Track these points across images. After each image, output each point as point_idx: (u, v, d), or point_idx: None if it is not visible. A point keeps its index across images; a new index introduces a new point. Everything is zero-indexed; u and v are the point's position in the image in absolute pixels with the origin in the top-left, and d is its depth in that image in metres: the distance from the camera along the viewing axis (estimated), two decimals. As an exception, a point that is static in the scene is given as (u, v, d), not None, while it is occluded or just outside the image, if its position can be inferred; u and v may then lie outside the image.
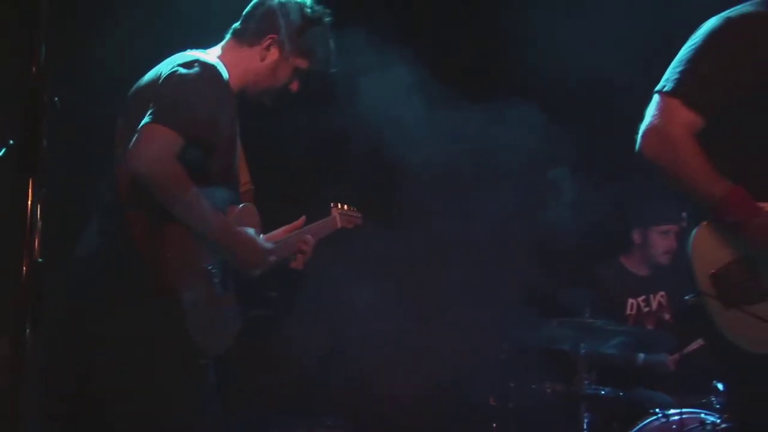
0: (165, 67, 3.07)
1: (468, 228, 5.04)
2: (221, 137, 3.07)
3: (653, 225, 5.10)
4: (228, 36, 3.29)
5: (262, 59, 3.24)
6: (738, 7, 3.17)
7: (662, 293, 5.14)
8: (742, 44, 3.10)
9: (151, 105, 2.89)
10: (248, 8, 3.31)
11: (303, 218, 3.56)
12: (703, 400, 4.48)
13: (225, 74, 3.08)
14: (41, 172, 2.15)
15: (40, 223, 2.15)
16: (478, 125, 4.95)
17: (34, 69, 2.18)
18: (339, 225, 3.85)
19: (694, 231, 3.10)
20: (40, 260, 2.11)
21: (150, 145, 2.85)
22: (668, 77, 3.11)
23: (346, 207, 3.94)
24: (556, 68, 5.16)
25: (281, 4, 3.28)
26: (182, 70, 3.00)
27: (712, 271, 3.04)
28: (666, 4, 5.33)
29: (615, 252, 5.41)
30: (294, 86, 3.32)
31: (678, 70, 3.12)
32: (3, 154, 2.21)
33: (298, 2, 3.30)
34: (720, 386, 4.32)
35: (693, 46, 3.11)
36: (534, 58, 5.17)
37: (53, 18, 2.21)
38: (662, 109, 3.09)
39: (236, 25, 3.29)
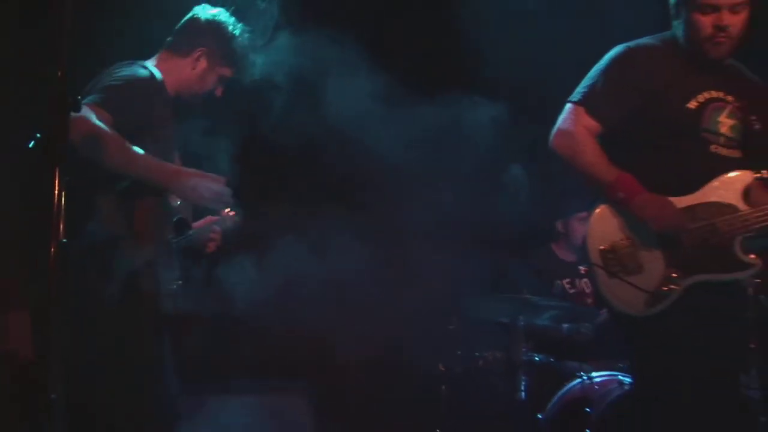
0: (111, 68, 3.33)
1: (426, 214, 5.11)
2: (149, 128, 3.23)
3: (572, 214, 5.23)
4: (162, 48, 3.53)
5: (193, 68, 3.48)
6: (640, 39, 3.46)
7: (586, 280, 5.24)
8: (636, 70, 3.36)
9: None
10: (180, 25, 3.56)
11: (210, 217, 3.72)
12: (621, 365, 4.59)
13: (158, 75, 3.36)
14: (65, 162, 2.23)
15: (63, 208, 2.21)
16: (438, 122, 5.02)
17: (60, 74, 2.26)
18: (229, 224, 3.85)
19: (592, 212, 3.38)
20: (64, 240, 2.18)
21: (82, 121, 2.93)
22: (578, 90, 3.42)
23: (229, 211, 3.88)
24: (511, 67, 5.13)
25: (209, 22, 3.52)
26: (115, 71, 3.26)
27: (602, 246, 3.31)
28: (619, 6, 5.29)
29: (547, 240, 5.55)
30: (219, 91, 3.54)
31: (585, 84, 3.41)
32: (32, 145, 2.28)
33: (223, 21, 3.54)
34: None
35: (599, 67, 3.41)
36: (490, 57, 5.20)
37: (75, 30, 2.31)
38: (570, 115, 3.40)
39: (169, 39, 3.55)
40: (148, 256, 3.18)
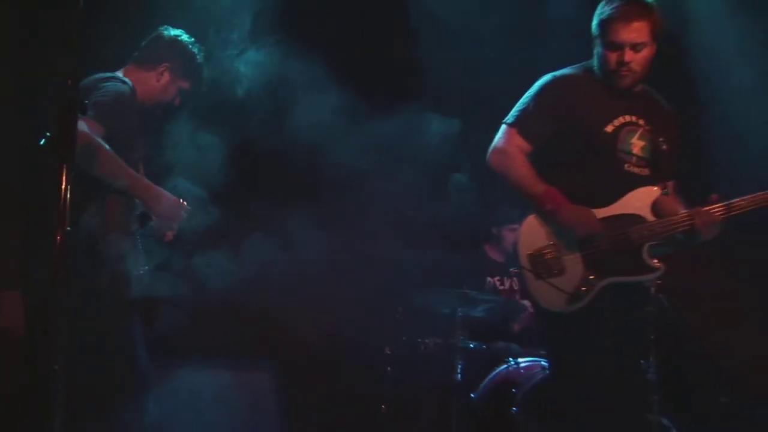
0: (84, 82, 3.47)
1: (379, 215, 5.19)
2: (129, 135, 3.49)
3: (505, 224, 5.40)
4: (130, 61, 3.75)
5: (158, 81, 3.71)
6: (565, 68, 3.64)
7: (512, 279, 5.42)
8: (561, 96, 3.54)
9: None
10: (147, 41, 3.79)
11: None
12: (542, 352, 4.73)
13: (131, 86, 3.59)
14: (72, 160, 2.37)
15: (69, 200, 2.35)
16: (393, 133, 5.13)
17: (69, 82, 2.41)
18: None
19: (520, 226, 3.54)
20: (69, 229, 2.33)
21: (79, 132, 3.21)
22: (511, 113, 3.60)
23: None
24: (460, 85, 5.37)
25: (173, 40, 3.76)
26: (100, 84, 3.46)
27: (530, 252, 3.45)
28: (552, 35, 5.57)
29: (481, 241, 5.70)
30: (177, 101, 3.78)
31: (518, 108, 3.60)
32: (43, 143, 2.42)
33: (185, 40, 3.77)
34: None
35: (530, 93, 3.60)
36: (442, 77, 5.39)
37: (84, 42, 2.45)
38: (504, 136, 3.58)
39: (136, 53, 3.75)
40: (118, 246, 3.37)
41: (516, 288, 5.39)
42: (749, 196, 3.43)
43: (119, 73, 3.67)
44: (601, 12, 3.46)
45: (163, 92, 3.73)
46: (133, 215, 3.50)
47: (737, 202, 3.42)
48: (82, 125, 3.19)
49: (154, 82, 3.70)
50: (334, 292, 5.25)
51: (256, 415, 4.66)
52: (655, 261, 3.42)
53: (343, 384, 5.43)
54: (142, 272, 3.51)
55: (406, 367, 4.99)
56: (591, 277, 3.39)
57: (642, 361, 3.89)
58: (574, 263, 3.40)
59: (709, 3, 5.84)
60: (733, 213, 3.42)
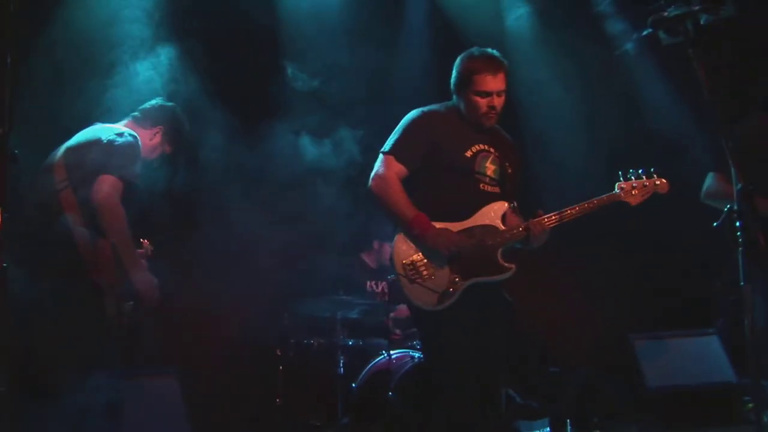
0: (97, 133, 3.79)
1: (266, 232, 5.50)
2: (137, 182, 3.83)
3: (384, 240, 5.74)
4: (129, 118, 4.00)
5: (150, 140, 4.02)
6: (431, 105, 3.98)
7: (383, 283, 5.78)
8: (428, 127, 3.88)
9: (101, 160, 3.61)
10: (147, 105, 4.06)
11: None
12: (411, 343, 5.15)
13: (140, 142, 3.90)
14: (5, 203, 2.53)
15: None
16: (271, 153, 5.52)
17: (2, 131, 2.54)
18: (149, 254, 4.28)
19: (394, 239, 3.85)
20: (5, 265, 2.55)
21: (105, 188, 3.56)
22: (387, 142, 3.91)
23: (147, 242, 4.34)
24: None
25: (170, 111, 4.08)
26: (119, 138, 3.75)
27: (404, 261, 3.78)
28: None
29: (358, 250, 6.05)
30: (155, 159, 4.10)
31: (393, 137, 3.91)
32: None
33: (179, 112, 4.12)
34: None
35: (402, 125, 3.93)
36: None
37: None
38: (382, 163, 3.87)
39: (135, 113, 4.01)
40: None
41: (386, 291, 5.74)
42: (576, 206, 3.81)
43: (120, 125, 3.90)
44: (467, 66, 3.83)
45: (152, 151, 4.04)
46: None
47: (567, 211, 3.80)
48: (113, 186, 3.56)
49: (147, 141, 3.99)
50: (227, 303, 5.54)
51: (166, 417, 4.78)
52: (508, 262, 3.76)
53: (240, 383, 5.66)
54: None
55: (294, 365, 5.26)
56: (456, 279, 3.70)
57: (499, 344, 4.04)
58: (441, 268, 3.71)
59: (525, 43, 6.60)
60: (564, 220, 3.79)
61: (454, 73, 3.93)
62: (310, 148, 5.62)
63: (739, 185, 3.03)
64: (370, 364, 5.11)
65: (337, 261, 5.79)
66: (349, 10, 5.92)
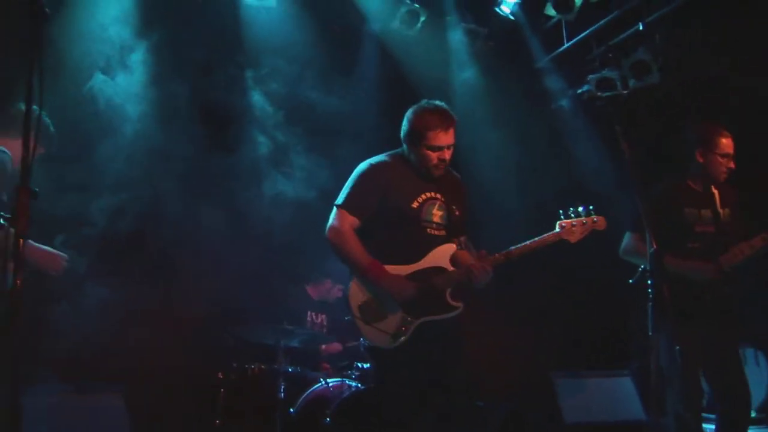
0: None
1: (212, 250, 5.79)
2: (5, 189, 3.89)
3: (336, 282, 6.10)
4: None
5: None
6: (378, 156, 4.20)
7: (324, 315, 6.14)
8: (375, 179, 4.09)
9: None
10: (4, 115, 4.09)
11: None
12: (347, 372, 5.45)
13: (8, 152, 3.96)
14: None
15: None
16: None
17: None
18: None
19: (349, 283, 4.09)
20: None
21: None
22: (340, 195, 4.12)
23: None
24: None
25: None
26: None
27: (358, 303, 4.03)
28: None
29: (303, 282, 6.32)
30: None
31: (345, 191, 4.13)
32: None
33: (41, 113, 4.06)
34: (359, 364, 5.45)
35: (352, 178, 4.14)
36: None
37: None
38: (337, 215, 4.11)
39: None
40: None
41: (324, 324, 6.11)
42: (521, 245, 3.99)
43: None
44: (419, 121, 4.01)
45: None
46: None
47: (512, 250, 3.99)
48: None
49: (19, 148, 3.98)
50: (172, 326, 5.81)
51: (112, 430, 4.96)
52: (456, 301, 3.99)
53: (182, 405, 5.86)
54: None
55: (236, 388, 5.41)
56: (408, 318, 3.94)
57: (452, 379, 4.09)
58: (393, 310, 3.95)
59: (469, 96, 7.10)
60: (510, 258, 3.97)
61: (405, 125, 4.10)
62: (268, 174, 5.94)
63: (652, 249, 3.53)
64: (309, 391, 5.35)
65: (283, 289, 6.02)
66: (310, 46, 6.30)
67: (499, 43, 7.27)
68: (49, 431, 4.43)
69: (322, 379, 5.39)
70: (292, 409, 5.29)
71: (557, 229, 4.12)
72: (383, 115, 6.50)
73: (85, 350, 5.18)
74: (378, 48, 6.86)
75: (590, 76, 6.82)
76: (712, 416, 4.79)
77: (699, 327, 4.42)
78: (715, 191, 4.69)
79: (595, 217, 4.13)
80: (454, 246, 4.12)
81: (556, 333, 6.96)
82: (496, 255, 4.04)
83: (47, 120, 4.20)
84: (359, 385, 5.25)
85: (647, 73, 6.53)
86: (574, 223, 4.11)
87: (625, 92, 6.16)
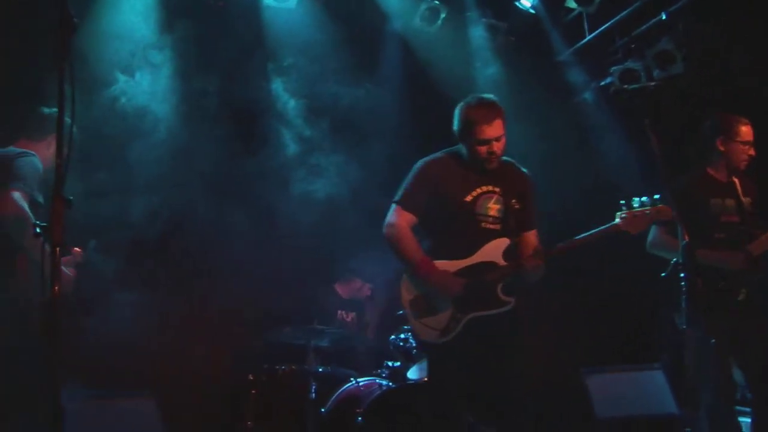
0: (4, 154, 4.04)
1: (240, 252, 5.78)
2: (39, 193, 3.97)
3: (366, 281, 6.14)
4: (20, 137, 4.22)
5: (48, 149, 4.17)
6: (435, 153, 4.27)
7: (353, 314, 6.17)
8: (429, 175, 4.19)
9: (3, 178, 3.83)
10: (31, 120, 4.22)
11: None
12: (377, 371, 5.48)
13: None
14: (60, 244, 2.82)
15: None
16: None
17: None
18: (78, 260, 4.45)
19: (402, 278, 4.17)
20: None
21: (7, 202, 3.76)
22: (397, 193, 4.22)
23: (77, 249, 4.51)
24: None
25: (52, 116, 4.12)
26: (19, 158, 4.00)
27: (410, 299, 4.13)
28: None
29: (332, 281, 6.33)
30: None
31: (401, 188, 4.24)
32: (38, 231, 2.92)
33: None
34: (389, 363, 5.46)
35: (409, 175, 4.24)
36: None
37: None
38: (394, 213, 4.20)
39: (24, 131, 4.23)
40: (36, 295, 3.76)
41: (355, 321, 6.13)
42: (578, 238, 3.96)
43: (12, 147, 4.10)
44: (465, 116, 4.08)
45: (53, 159, 4.12)
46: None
47: (569, 243, 3.96)
48: (18, 197, 3.76)
49: (45, 151, 4.15)
50: (203, 329, 5.87)
51: None
52: (507, 296, 4.02)
53: (215, 406, 5.89)
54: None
55: (267, 389, 5.46)
56: (457, 314, 4.00)
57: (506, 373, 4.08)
58: (443, 306, 4.03)
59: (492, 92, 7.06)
60: (568, 251, 3.95)
61: (455, 122, 4.19)
62: (297, 172, 5.94)
63: (684, 241, 3.52)
64: (340, 390, 5.39)
65: (313, 289, 6.04)
66: (332, 46, 6.31)
67: (520, 38, 7.24)
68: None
69: (353, 378, 5.42)
70: (323, 409, 5.32)
71: (617, 221, 4.01)
72: (408, 112, 6.56)
73: (115, 354, 5.20)
74: (400, 46, 6.85)
75: (613, 68, 6.78)
76: (747, 409, 4.84)
77: (731, 318, 4.42)
78: (736, 180, 4.71)
79: (659, 207, 3.96)
80: (507, 240, 4.12)
81: (586, 328, 6.93)
82: (553, 249, 4.03)
83: (67, 121, 4.22)
84: (390, 383, 5.26)
85: (671, 63, 6.48)
86: (636, 213, 3.97)
87: (652, 84, 6.10)
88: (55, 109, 3.94)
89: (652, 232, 4.76)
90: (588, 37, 7.05)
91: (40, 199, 4.03)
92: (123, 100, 5.43)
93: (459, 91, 5.00)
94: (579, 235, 4.03)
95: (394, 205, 4.22)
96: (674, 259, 3.45)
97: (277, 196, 6.11)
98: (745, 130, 4.65)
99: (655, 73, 6.64)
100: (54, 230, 2.74)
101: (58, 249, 2.69)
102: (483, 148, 4.07)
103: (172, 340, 5.66)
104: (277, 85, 6.18)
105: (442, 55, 6.78)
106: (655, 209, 3.96)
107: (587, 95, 7.26)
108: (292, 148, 6.15)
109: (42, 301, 2.75)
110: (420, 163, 4.26)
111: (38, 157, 4.08)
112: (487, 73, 7.03)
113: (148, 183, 5.41)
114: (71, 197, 2.79)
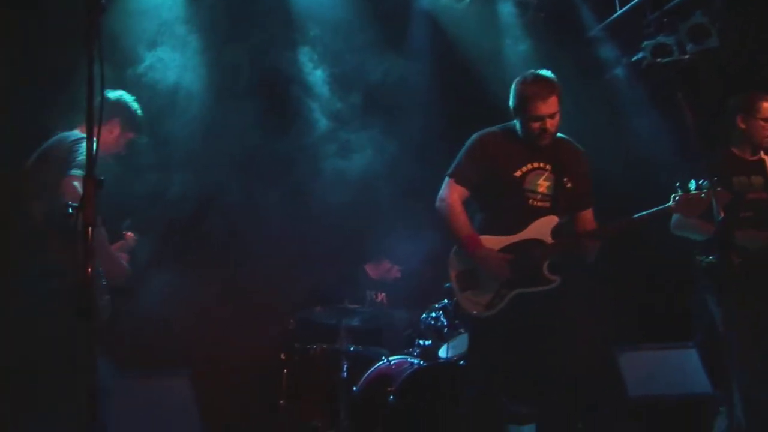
0: (66, 138, 3.98)
1: (271, 234, 5.82)
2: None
3: (395, 263, 6.18)
4: (83, 122, 3.98)
5: (111, 133, 4.17)
6: (490, 128, 4.27)
7: (383, 294, 6.18)
8: (481, 149, 4.19)
9: (65, 162, 3.76)
10: (95, 103, 4.06)
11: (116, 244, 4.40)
12: (408, 350, 5.52)
13: None
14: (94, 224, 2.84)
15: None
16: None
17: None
18: (132, 245, 4.55)
19: (451, 252, 4.20)
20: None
21: (68, 191, 3.70)
22: (451, 166, 4.23)
23: (131, 234, 4.59)
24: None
25: (118, 101, 4.23)
26: (79, 142, 3.93)
27: (457, 272, 4.16)
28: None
29: (362, 262, 6.37)
30: (123, 151, 4.30)
31: (455, 162, 4.24)
32: (70, 212, 2.95)
33: (127, 100, 4.26)
34: (420, 341, 5.48)
35: (463, 150, 4.24)
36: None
37: None
38: (447, 186, 4.22)
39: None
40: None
41: (385, 301, 6.15)
42: (631, 219, 3.93)
43: (77, 131, 4.04)
44: (520, 92, 4.07)
45: (115, 144, 4.21)
46: None
47: (623, 223, 3.96)
48: (77, 184, 3.68)
49: (108, 135, 4.10)
50: (236, 310, 5.90)
51: (180, 417, 4.98)
52: (553, 274, 4.00)
53: (247, 385, 5.96)
54: (105, 302, 3.97)
55: (299, 369, 5.52)
56: (502, 290, 4.01)
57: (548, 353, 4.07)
58: (489, 281, 4.04)
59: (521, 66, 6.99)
60: (621, 231, 3.96)
61: (511, 97, 4.18)
62: (325, 153, 5.94)
63: (720, 216, 3.46)
64: (371, 369, 5.44)
65: (343, 269, 6.08)
66: (359, 22, 6.27)
67: (550, 13, 7.12)
68: (118, 415, 4.47)
69: (384, 357, 5.46)
70: (355, 388, 5.36)
71: (671, 203, 3.95)
72: (438, 90, 6.49)
73: (149, 334, 5.26)
74: (428, 23, 6.76)
75: (645, 42, 6.65)
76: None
77: (758, 297, 4.36)
78: (765, 157, 4.67)
79: (718, 190, 3.86)
80: (556, 218, 4.10)
81: (621, 306, 6.87)
82: (603, 229, 4.03)
83: (135, 105, 4.27)
84: (421, 362, 5.27)
85: (706, 37, 6.34)
86: (690, 197, 3.88)
87: (685, 57, 5.98)
88: (120, 92, 4.27)
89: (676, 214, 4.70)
90: (619, 12, 6.91)
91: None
92: (151, 76, 5.41)
93: (489, 68, 4.97)
94: (635, 215, 3.97)
95: (447, 179, 4.24)
96: (704, 237, 3.38)
97: (308, 175, 6.11)
98: (766, 106, 4.62)
99: (689, 47, 6.50)
100: (87, 210, 2.74)
101: (90, 229, 2.68)
102: (536, 125, 4.05)
103: (204, 320, 5.69)
104: (306, 59, 6.14)
105: (471, 32, 6.71)
106: (709, 192, 3.84)
107: (618, 71, 7.16)
108: (323, 123, 6.13)
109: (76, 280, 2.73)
110: (474, 136, 4.27)
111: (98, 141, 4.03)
112: (517, 49, 6.94)
113: (180, 161, 5.39)
114: (103, 177, 2.81)
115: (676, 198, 3.92)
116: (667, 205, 3.96)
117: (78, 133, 4.06)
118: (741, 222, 4.47)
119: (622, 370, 6.28)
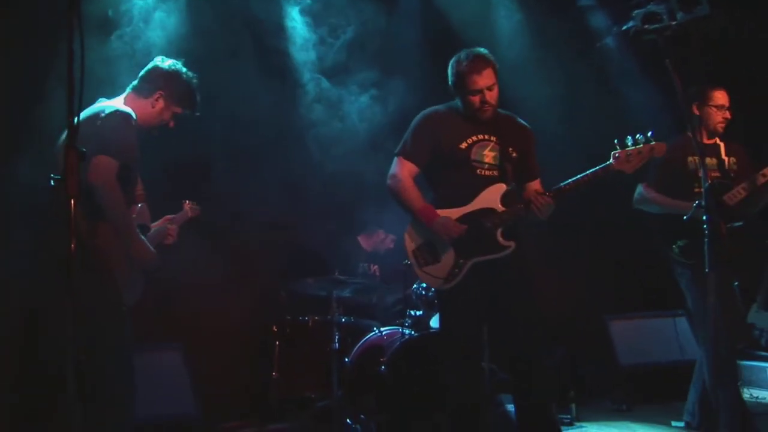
0: (95, 112, 3.71)
1: (260, 205, 5.75)
2: (135, 159, 3.75)
3: (390, 232, 6.19)
4: (128, 90, 3.95)
5: (153, 107, 3.92)
6: (434, 106, 4.33)
7: (376, 266, 6.18)
8: (427, 126, 4.27)
9: (94, 141, 3.43)
10: (144, 71, 3.98)
11: (166, 216, 4.32)
12: (399, 320, 5.51)
13: (134, 116, 3.76)
14: (78, 196, 2.72)
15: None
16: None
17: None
18: (190, 215, 4.58)
19: (407, 228, 4.22)
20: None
21: (100, 170, 3.50)
22: (399, 146, 4.31)
23: (190, 203, 4.58)
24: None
25: (167, 71, 3.96)
26: (111, 117, 3.66)
27: (413, 248, 4.21)
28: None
29: (355, 233, 6.36)
30: (171, 124, 4.02)
31: (402, 141, 4.33)
32: (53, 184, 2.92)
33: (180, 69, 3.99)
34: (412, 312, 5.47)
35: (410, 127, 4.32)
36: None
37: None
38: (396, 163, 4.31)
39: (134, 83, 3.95)
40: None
41: (377, 273, 6.13)
42: (572, 180, 3.93)
43: (117, 101, 3.81)
44: (456, 69, 4.16)
45: (158, 117, 3.91)
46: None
47: (563, 186, 3.95)
48: (103, 161, 3.48)
49: (150, 109, 3.87)
50: (228, 282, 5.87)
51: (172, 388, 5.16)
52: (507, 240, 4.04)
53: (240, 358, 5.97)
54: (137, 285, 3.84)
55: (291, 341, 5.54)
56: (460, 260, 4.06)
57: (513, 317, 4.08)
58: (446, 252, 4.09)
59: (510, 38, 6.95)
60: (564, 195, 3.94)
61: (448, 76, 4.25)
62: (317, 123, 5.86)
63: (707, 183, 3.45)
64: (363, 340, 5.45)
65: (336, 240, 6.04)
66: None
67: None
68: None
69: (375, 328, 5.48)
70: (347, 359, 5.38)
71: (611, 161, 3.96)
72: (430, 63, 6.40)
73: (140, 306, 5.20)
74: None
75: (635, 11, 6.58)
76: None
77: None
78: (721, 144, 4.97)
79: (653, 144, 3.93)
80: (504, 186, 4.16)
81: (610, 275, 6.88)
82: (550, 191, 4.02)
83: (187, 77, 3.98)
84: (413, 332, 5.28)
85: (696, 5, 6.27)
86: (629, 152, 3.93)
87: (674, 23, 5.94)
88: (172, 62, 3.97)
89: (639, 189, 4.94)
90: (611, -20, 6.86)
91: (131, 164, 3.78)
92: (137, 42, 5.26)
93: (480, 38, 4.91)
94: (579, 174, 3.95)
95: (395, 158, 4.31)
96: (696, 202, 3.38)
97: (300, 146, 6.06)
98: (719, 95, 4.94)
99: (679, 15, 6.44)
100: (69, 182, 2.68)
101: (73, 201, 2.63)
102: (476, 98, 4.15)
103: (196, 292, 5.65)
104: (296, 27, 6.03)
105: (462, 2, 6.64)
106: (648, 146, 3.95)
107: (609, 40, 7.11)
108: (312, 95, 6.06)
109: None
110: (420, 115, 4.35)
111: (135, 114, 3.76)
112: (511, 19, 6.88)
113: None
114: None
115: (616, 155, 3.95)
116: (607, 162, 3.97)
117: (110, 106, 3.75)
118: (693, 197, 4.48)
119: (613, 339, 6.39)
